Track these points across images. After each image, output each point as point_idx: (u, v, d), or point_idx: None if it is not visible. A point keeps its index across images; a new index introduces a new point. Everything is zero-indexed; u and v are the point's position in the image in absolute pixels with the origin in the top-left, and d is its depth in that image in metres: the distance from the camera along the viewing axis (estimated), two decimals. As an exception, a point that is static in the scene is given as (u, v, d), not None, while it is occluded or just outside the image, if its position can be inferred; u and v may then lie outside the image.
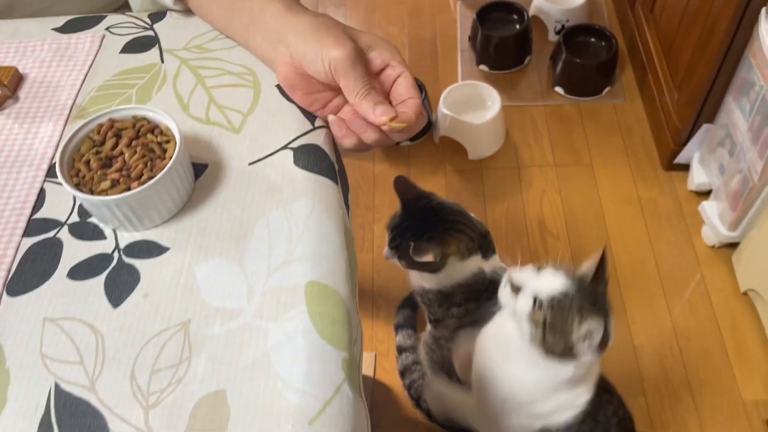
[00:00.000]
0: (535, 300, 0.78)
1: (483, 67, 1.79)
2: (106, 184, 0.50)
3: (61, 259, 0.51)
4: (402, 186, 0.97)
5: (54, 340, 0.47)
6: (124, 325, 0.47)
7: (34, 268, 0.51)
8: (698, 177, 1.46)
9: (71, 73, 0.65)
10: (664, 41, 1.54)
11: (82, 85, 0.64)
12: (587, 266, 0.80)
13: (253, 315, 0.47)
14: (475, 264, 0.96)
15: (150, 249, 0.51)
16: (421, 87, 1.62)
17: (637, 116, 1.68)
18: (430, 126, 1.65)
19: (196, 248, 0.51)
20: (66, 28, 0.69)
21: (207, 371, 0.45)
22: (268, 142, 0.58)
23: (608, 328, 0.77)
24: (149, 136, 0.53)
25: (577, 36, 1.72)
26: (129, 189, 0.49)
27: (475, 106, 1.62)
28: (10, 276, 0.50)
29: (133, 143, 0.52)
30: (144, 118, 0.54)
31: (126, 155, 0.52)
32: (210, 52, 0.65)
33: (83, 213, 0.54)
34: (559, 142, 1.64)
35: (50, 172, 0.57)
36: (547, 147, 1.63)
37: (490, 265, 0.98)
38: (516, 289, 0.81)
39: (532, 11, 1.83)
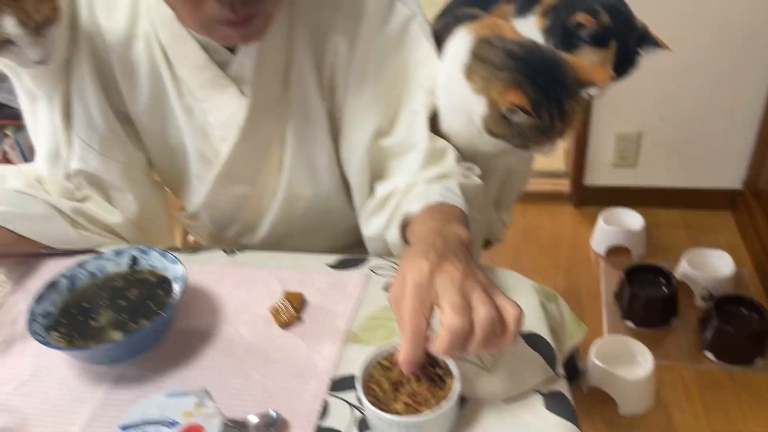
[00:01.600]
0: None
1: (629, 323, 1.85)
2: (399, 406, 0.60)
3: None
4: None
5: None
6: None
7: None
8: None
9: (344, 304, 0.78)
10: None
11: (353, 315, 0.77)
12: None
13: None
14: None
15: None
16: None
17: (795, 392, 1.63)
18: (577, 373, 1.68)
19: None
20: (338, 265, 0.85)
21: None
22: (518, 382, 0.66)
23: None
24: (431, 368, 0.63)
25: (727, 304, 1.76)
26: (417, 413, 0.59)
27: (624, 360, 1.65)
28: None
29: (420, 376, 0.62)
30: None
31: (413, 383, 0.62)
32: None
33: (363, 427, 0.63)
34: (712, 408, 1.61)
35: (332, 386, 0.68)
36: (700, 412, 1.60)
37: None
38: None
39: (678, 276, 1.91)
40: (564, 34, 0.89)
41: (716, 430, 1.56)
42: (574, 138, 2.24)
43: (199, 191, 0.96)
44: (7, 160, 2.20)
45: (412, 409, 0.59)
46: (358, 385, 0.61)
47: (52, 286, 0.74)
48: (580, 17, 0.87)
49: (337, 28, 0.85)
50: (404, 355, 0.59)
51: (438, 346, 0.57)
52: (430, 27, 0.89)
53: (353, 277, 0.82)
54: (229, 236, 1.01)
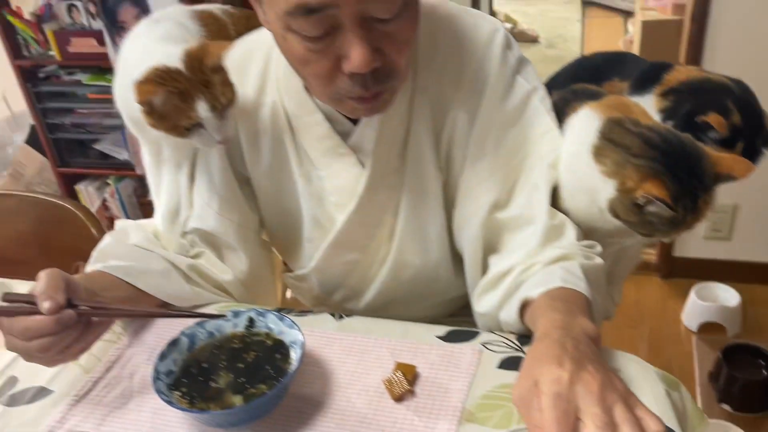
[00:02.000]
0: None
1: (726, 407, 1.74)
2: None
3: None
4: None
5: None
6: None
7: None
8: None
9: (457, 379, 0.76)
10: None
11: (467, 392, 0.75)
12: None
13: None
14: None
15: None
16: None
17: None
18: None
19: None
20: (448, 338, 0.83)
21: None
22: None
23: None
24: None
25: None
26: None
27: (724, 448, 1.55)
28: None
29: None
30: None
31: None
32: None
33: None
34: None
35: (451, 469, 0.65)
36: None
37: None
38: None
39: (779, 359, 1.80)
40: (687, 124, 0.87)
41: None
42: (664, 207, 2.17)
43: (310, 255, 0.97)
44: (106, 208, 2.32)
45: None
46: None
47: (173, 344, 0.76)
48: (712, 119, 0.85)
49: (457, 101, 0.86)
50: None
51: None
52: (550, 101, 0.89)
53: (465, 351, 0.81)
54: (335, 300, 1.02)
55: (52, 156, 2.33)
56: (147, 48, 0.85)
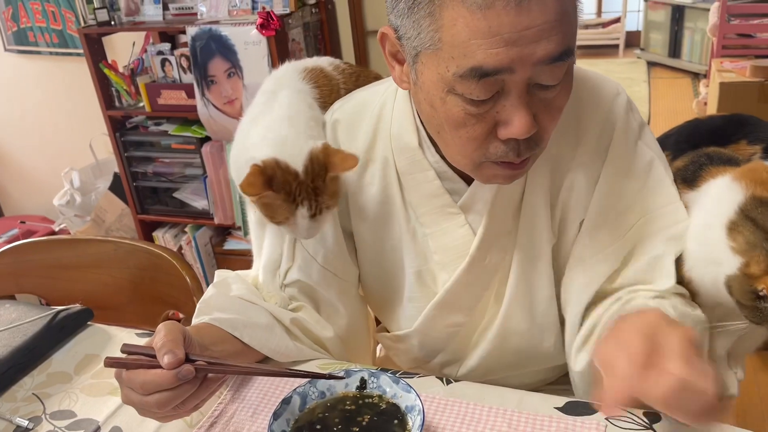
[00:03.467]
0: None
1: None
2: None
3: None
4: None
5: None
6: None
7: None
8: None
9: (584, 457, 0.71)
10: None
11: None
12: None
13: None
14: None
15: None
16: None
17: None
18: None
19: None
20: (566, 409, 0.78)
21: None
22: None
23: None
24: None
25: None
26: None
27: None
28: None
29: None
30: None
31: None
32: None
33: None
34: None
35: None
36: None
37: None
38: None
39: None
40: None
41: None
42: None
43: (411, 315, 0.94)
44: (181, 254, 2.35)
45: None
46: None
47: (285, 402, 0.73)
48: None
49: (577, 164, 0.84)
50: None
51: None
52: (671, 169, 0.86)
53: (588, 426, 0.75)
54: (434, 364, 0.98)
55: (133, 203, 2.40)
56: (270, 128, 0.86)
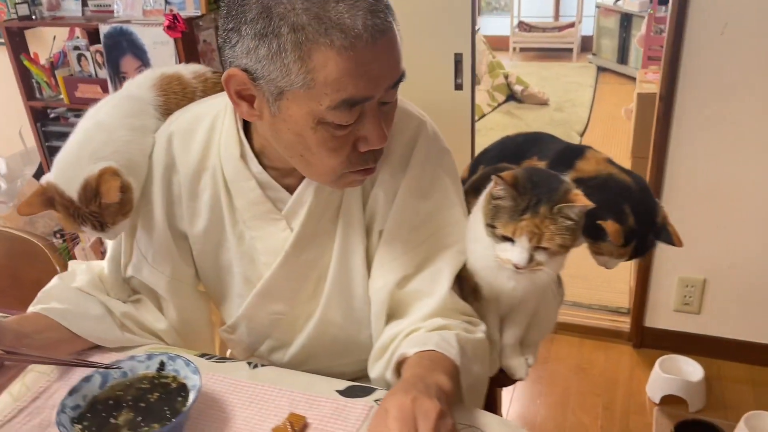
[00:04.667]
0: None
1: (677, 482, 1.74)
2: None
3: None
4: None
5: None
6: None
7: None
8: None
9: (343, 431, 0.83)
10: None
11: (348, 444, 0.81)
12: None
13: None
14: None
15: None
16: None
17: None
18: None
19: None
20: (346, 392, 0.90)
21: None
22: None
23: None
24: None
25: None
26: None
27: None
28: None
29: None
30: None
31: None
32: None
33: None
34: None
35: None
36: None
37: None
38: None
39: (735, 437, 1.80)
40: (590, 223, 0.95)
41: None
42: (636, 276, 2.21)
43: (239, 306, 1.05)
44: (101, 242, 2.42)
45: None
46: None
47: (86, 380, 0.83)
48: (609, 227, 0.93)
49: (380, 181, 0.95)
50: None
51: None
52: (464, 190, 0.98)
53: (357, 406, 0.87)
54: (262, 351, 1.09)
55: (56, 191, 2.46)
56: (64, 149, 0.96)
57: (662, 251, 2.11)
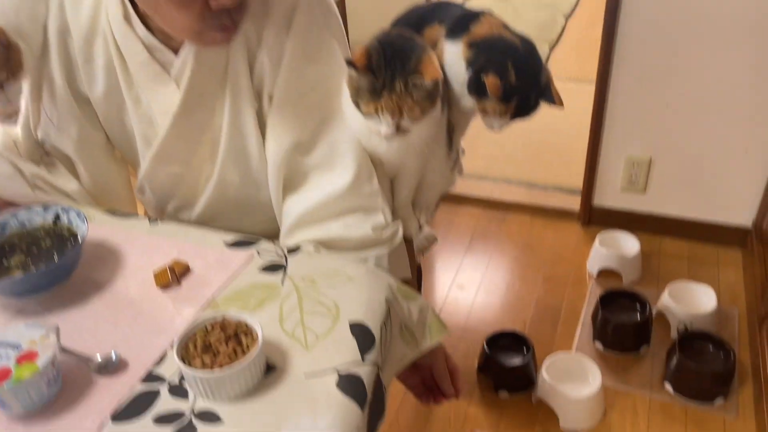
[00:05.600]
0: None
1: (598, 344, 1.87)
2: (197, 362, 0.71)
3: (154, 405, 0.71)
4: None
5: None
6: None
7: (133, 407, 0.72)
8: None
9: (222, 277, 0.91)
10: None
11: (224, 287, 0.89)
12: None
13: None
14: None
15: (212, 418, 0.70)
16: (528, 346, 1.75)
17: (750, 437, 1.62)
18: (531, 384, 1.73)
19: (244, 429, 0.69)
20: (233, 244, 0.97)
21: None
22: (325, 360, 0.76)
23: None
24: (243, 337, 0.74)
25: (697, 340, 1.76)
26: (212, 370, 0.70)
27: (576, 378, 1.69)
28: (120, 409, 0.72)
29: (230, 340, 0.74)
30: (245, 324, 0.76)
31: (222, 347, 0.73)
32: (316, 285, 0.88)
33: (183, 378, 0.75)
34: (656, 439, 1.62)
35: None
36: (641, 440, 1.62)
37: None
38: None
39: (658, 306, 1.91)
40: (476, 80, 0.98)
41: (653, 460, 1.57)
42: (586, 156, 2.25)
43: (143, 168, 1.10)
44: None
45: (208, 367, 0.71)
46: (176, 339, 0.73)
47: (-15, 229, 0.91)
48: (489, 81, 0.95)
49: (264, 43, 0.96)
50: None
51: None
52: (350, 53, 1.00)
53: (239, 255, 0.94)
54: (170, 210, 1.15)
55: None
56: None
57: (611, 130, 2.13)
